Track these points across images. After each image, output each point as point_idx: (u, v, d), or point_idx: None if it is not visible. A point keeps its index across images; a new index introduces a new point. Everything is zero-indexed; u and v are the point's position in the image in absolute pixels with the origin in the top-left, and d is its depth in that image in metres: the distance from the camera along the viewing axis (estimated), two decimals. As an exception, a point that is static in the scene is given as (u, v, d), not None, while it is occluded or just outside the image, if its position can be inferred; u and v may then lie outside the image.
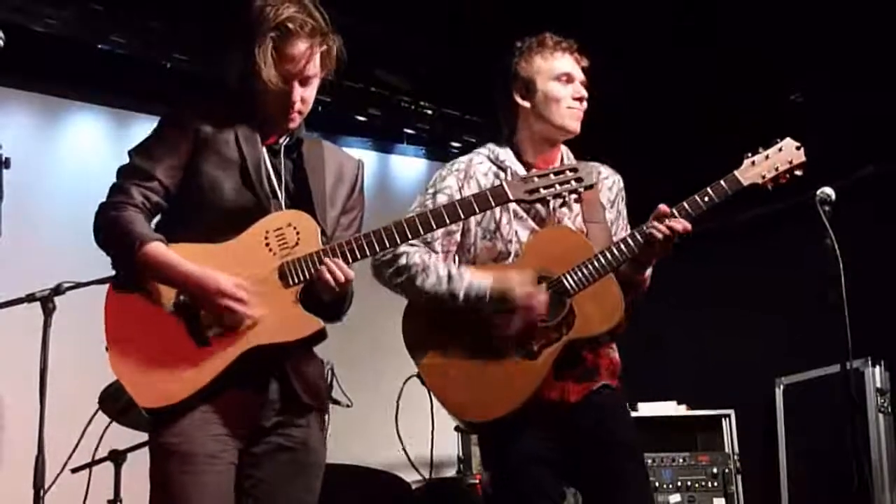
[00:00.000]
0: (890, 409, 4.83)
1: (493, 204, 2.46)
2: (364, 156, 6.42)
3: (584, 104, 2.96)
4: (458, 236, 2.94)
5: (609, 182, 3.06)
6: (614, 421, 2.84)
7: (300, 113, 2.52)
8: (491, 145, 3.02)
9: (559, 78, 2.94)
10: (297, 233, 2.42)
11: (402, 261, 2.84)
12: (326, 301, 2.46)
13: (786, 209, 5.31)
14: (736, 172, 2.81)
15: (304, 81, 2.48)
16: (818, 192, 3.17)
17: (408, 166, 6.59)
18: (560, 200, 2.71)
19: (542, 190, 2.44)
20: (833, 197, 3.16)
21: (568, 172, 2.47)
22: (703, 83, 5.31)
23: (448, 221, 2.46)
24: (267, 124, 2.54)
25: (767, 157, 2.82)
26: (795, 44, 5.06)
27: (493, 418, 2.75)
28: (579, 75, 2.97)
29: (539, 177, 2.46)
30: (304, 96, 2.49)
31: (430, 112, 6.19)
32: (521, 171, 2.91)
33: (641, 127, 5.68)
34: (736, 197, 2.81)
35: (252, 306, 2.35)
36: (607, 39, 5.07)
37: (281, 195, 2.50)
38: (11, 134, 4.73)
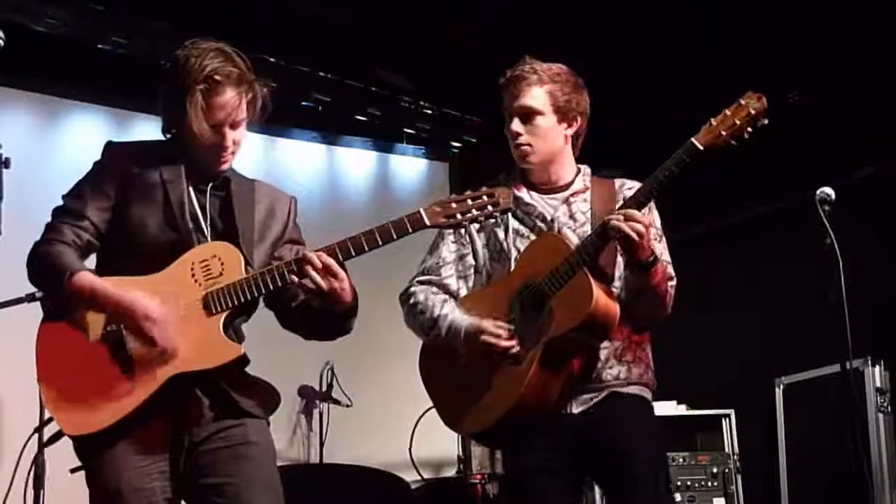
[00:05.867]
0: (890, 409, 4.82)
1: (409, 229, 2.48)
2: (364, 156, 6.49)
3: (524, 137, 2.89)
4: (470, 259, 3.00)
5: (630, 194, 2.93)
6: (620, 430, 2.79)
7: (232, 154, 2.60)
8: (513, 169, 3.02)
9: (512, 117, 2.92)
10: (222, 263, 2.50)
11: (411, 300, 2.98)
12: (321, 308, 2.51)
13: (786, 209, 5.32)
14: (692, 139, 2.70)
15: (234, 125, 2.55)
16: (818, 192, 3.17)
17: (408, 166, 6.59)
18: (493, 222, 2.79)
19: (458, 215, 2.50)
20: (833, 197, 3.16)
21: (484, 198, 2.52)
22: (703, 82, 5.31)
23: (380, 242, 2.47)
24: (196, 167, 2.61)
25: (726, 115, 2.70)
26: (795, 43, 5.06)
27: (491, 425, 2.78)
28: (522, 103, 2.89)
29: (456, 202, 2.51)
30: (235, 139, 2.57)
31: (430, 112, 6.19)
32: (521, 193, 2.93)
33: (640, 126, 5.68)
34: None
35: (171, 337, 2.42)
36: (607, 39, 5.10)
37: (207, 231, 2.58)
38: (11, 134, 4.71)
